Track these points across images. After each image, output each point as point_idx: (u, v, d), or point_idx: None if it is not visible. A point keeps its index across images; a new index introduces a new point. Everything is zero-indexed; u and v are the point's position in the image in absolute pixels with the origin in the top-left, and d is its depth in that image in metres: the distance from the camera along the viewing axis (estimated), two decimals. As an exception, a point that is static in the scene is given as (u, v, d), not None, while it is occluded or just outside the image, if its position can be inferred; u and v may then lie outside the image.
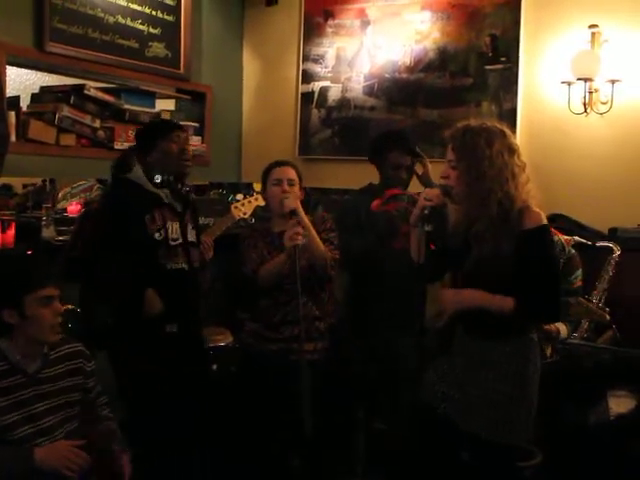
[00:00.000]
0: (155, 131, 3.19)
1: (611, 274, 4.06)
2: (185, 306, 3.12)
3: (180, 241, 3.12)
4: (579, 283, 3.68)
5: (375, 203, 3.60)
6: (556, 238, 3.51)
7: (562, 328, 3.55)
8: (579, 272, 3.68)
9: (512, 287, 2.54)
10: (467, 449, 2.73)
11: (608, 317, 3.88)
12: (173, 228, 3.10)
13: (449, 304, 2.64)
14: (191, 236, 3.20)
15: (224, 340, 4.02)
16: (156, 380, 3.00)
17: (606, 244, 4.14)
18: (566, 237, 3.79)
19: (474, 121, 2.64)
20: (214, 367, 3.86)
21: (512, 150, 2.59)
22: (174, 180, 3.14)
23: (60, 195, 4.35)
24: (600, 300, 4.00)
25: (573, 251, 3.72)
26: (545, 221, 2.60)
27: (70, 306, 3.42)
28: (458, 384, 2.67)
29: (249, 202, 3.47)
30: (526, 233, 2.53)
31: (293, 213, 3.13)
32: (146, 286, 3.01)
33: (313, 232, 3.19)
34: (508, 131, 2.63)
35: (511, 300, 2.53)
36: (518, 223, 2.53)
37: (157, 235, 3.04)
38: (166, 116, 4.99)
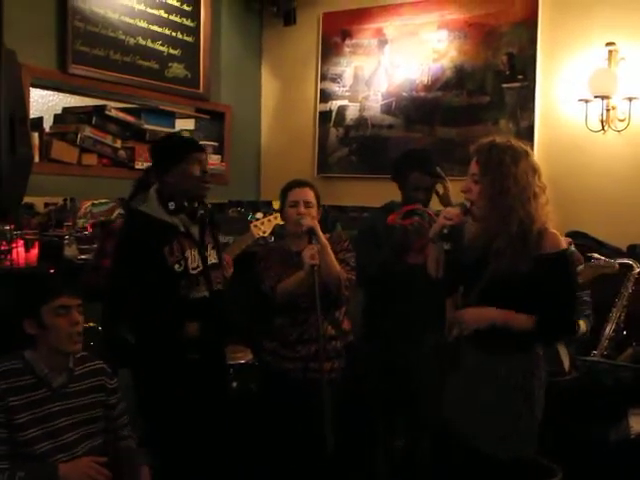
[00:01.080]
0: (174, 151, 3.08)
1: (630, 291, 4.05)
2: (207, 334, 3.06)
3: (200, 268, 3.06)
4: None
5: (391, 217, 3.63)
6: None
7: (581, 323, 3.55)
8: (582, 267, 3.70)
9: (525, 304, 2.56)
10: (479, 467, 2.72)
11: (617, 266, 3.93)
12: (192, 256, 3.04)
13: (471, 321, 2.63)
14: (212, 258, 3.15)
15: (244, 358, 4.04)
16: (177, 402, 2.99)
17: (625, 261, 4.13)
18: (565, 238, 3.79)
19: (499, 138, 2.65)
20: (234, 385, 3.88)
21: (535, 170, 2.60)
22: (189, 202, 3.06)
23: (81, 212, 4.40)
24: (620, 317, 3.99)
25: (572, 248, 3.72)
26: (564, 245, 2.63)
27: (92, 324, 3.47)
28: (467, 400, 2.67)
29: (269, 221, 3.48)
30: (547, 257, 2.54)
31: (311, 232, 3.14)
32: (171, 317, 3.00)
33: (330, 252, 3.20)
34: (531, 151, 2.65)
35: (531, 318, 2.55)
36: (537, 245, 2.54)
37: (177, 267, 2.98)
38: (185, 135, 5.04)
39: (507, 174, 2.54)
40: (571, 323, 2.72)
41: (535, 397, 2.64)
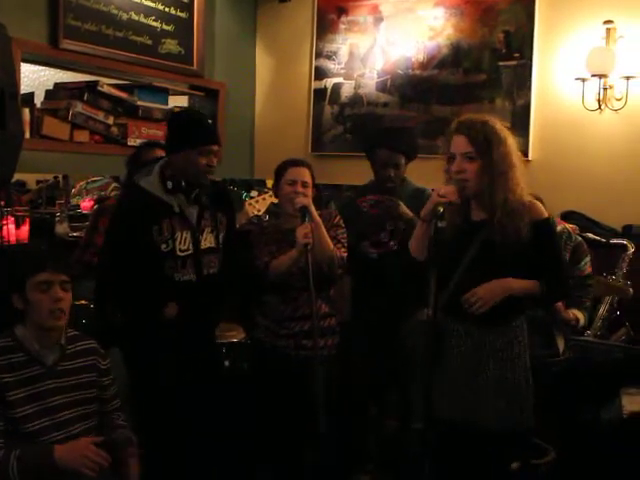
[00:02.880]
0: (190, 139, 2.99)
1: (625, 271, 4.06)
2: (189, 317, 3.06)
3: (190, 252, 3.05)
4: (589, 269, 3.67)
5: (360, 200, 3.61)
6: (561, 227, 3.56)
7: (580, 316, 3.55)
8: (587, 259, 3.67)
9: (518, 270, 2.61)
10: (480, 446, 2.72)
11: (631, 290, 3.93)
12: (182, 238, 3.03)
13: (488, 298, 2.59)
14: (207, 242, 3.11)
15: (237, 336, 4.02)
16: (158, 381, 3.01)
17: (620, 241, 4.14)
18: (571, 225, 3.78)
19: (477, 115, 2.70)
20: (226, 363, 3.87)
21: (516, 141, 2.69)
22: (187, 184, 3.03)
23: (75, 190, 4.38)
24: (613, 297, 3.99)
25: (579, 238, 3.70)
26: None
27: (83, 302, 3.45)
28: (465, 377, 2.67)
29: (263, 199, 3.46)
30: (540, 223, 2.62)
31: (304, 210, 3.12)
32: (154, 296, 3.00)
33: (323, 231, 3.18)
34: None
35: (536, 283, 2.62)
36: (529, 211, 2.61)
37: (164, 247, 2.97)
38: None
39: (508, 150, 2.59)
40: (568, 283, 2.84)
41: (529, 366, 2.69)
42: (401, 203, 3.52)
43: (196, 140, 2.98)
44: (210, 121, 3.21)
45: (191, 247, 3.05)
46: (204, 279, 3.09)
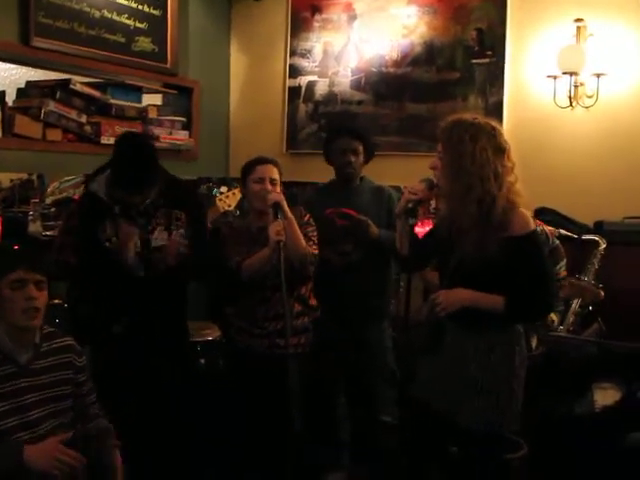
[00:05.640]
0: (116, 178, 3.08)
1: (597, 267, 4.10)
2: (134, 309, 3.10)
3: (138, 249, 3.10)
4: (564, 273, 3.72)
5: (330, 210, 3.60)
6: (540, 229, 3.51)
7: (554, 317, 3.59)
8: (563, 262, 3.72)
9: (496, 286, 2.56)
10: (458, 443, 2.74)
11: (602, 293, 3.96)
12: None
13: (445, 304, 2.62)
14: (160, 241, 3.14)
15: (212, 335, 4.03)
16: (110, 377, 3.04)
17: (592, 237, 4.18)
18: (550, 228, 3.81)
19: (466, 116, 2.65)
20: (202, 361, 3.87)
21: (499, 149, 2.57)
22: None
23: (49, 190, 4.34)
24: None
25: (557, 242, 3.75)
26: (533, 225, 2.61)
27: (57, 301, 3.43)
28: (450, 378, 2.68)
29: (233, 194, 3.45)
30: (517, 240, 2.53)
31: (277, 207, 3.11)
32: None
33: (296, 227, 3.18)
34: (500, 130, 2.61)
35: (501, 300, 2.55)
36: (504, 225, 2.53)
37: (108, 244, 3.06)
38: (153, 111, 4.97)
39: (464, 152, 2.52)
40: (545, 304, 2.66)
41: (517, 373, 2.66)
42: (371, 223, 3.53)
43: (120, 186, 3.06)
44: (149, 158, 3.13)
45: (139, 246, 3.10)
46: (154, 275, 3.12)
